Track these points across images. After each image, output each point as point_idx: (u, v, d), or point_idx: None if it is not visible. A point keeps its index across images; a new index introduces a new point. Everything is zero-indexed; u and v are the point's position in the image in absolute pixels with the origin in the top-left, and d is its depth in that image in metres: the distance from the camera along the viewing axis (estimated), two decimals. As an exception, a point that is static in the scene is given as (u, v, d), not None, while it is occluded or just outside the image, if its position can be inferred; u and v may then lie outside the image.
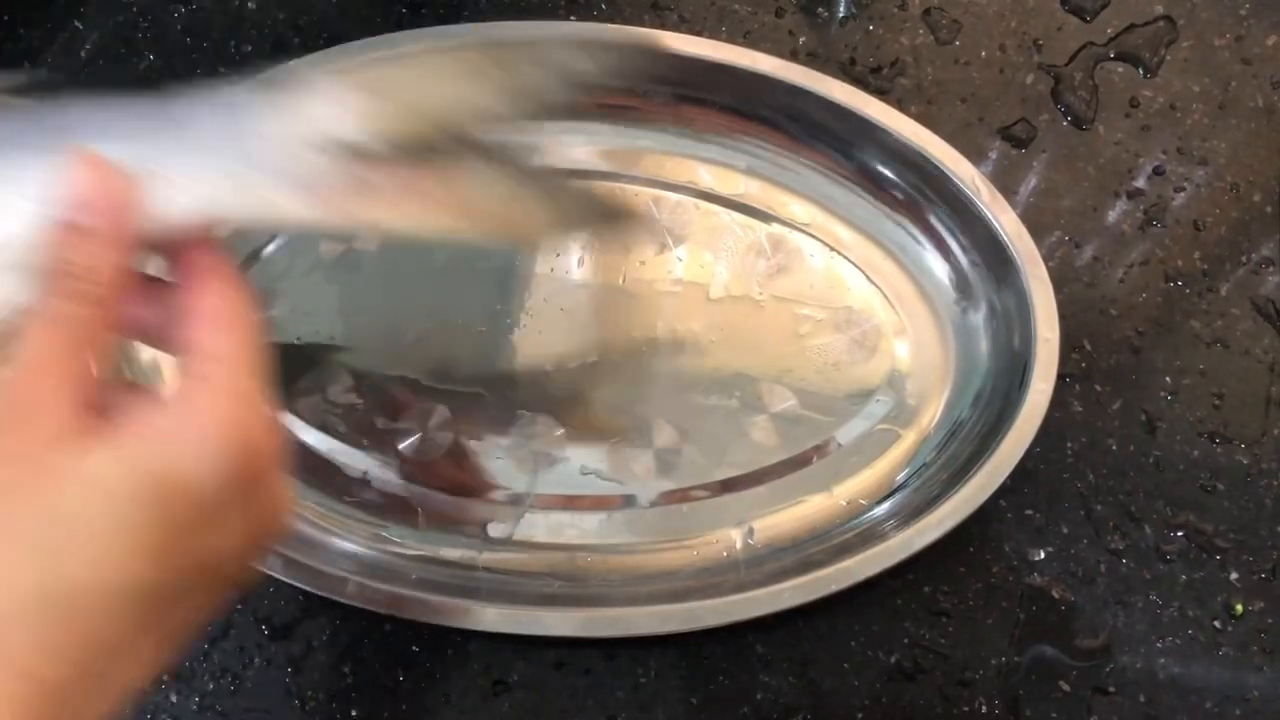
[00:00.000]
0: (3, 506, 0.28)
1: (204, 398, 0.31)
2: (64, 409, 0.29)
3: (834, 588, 0.46)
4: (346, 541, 0.50)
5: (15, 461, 0.28)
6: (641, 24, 0.58)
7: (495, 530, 0.50)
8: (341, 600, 0.47)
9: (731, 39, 0.58)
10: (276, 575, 0.47)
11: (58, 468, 0.28)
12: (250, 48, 0.60)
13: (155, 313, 0.34)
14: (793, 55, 0.58)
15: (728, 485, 0.51)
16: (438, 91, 0.36)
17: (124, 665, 0.28)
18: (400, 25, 0.59)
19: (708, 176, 0.55)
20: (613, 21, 0.58)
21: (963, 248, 0.52)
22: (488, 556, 0.50)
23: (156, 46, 0.60)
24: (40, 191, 0.33)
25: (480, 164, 0.37)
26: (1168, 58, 0.58)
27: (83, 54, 0.60)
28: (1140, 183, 0.56)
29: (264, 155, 0.35)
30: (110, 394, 0.32)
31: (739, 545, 0.50)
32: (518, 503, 0.51)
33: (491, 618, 0.46)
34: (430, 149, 0.36)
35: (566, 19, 0.59)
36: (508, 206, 0.37)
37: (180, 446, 0.30)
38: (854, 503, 0.50)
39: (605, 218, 0.38)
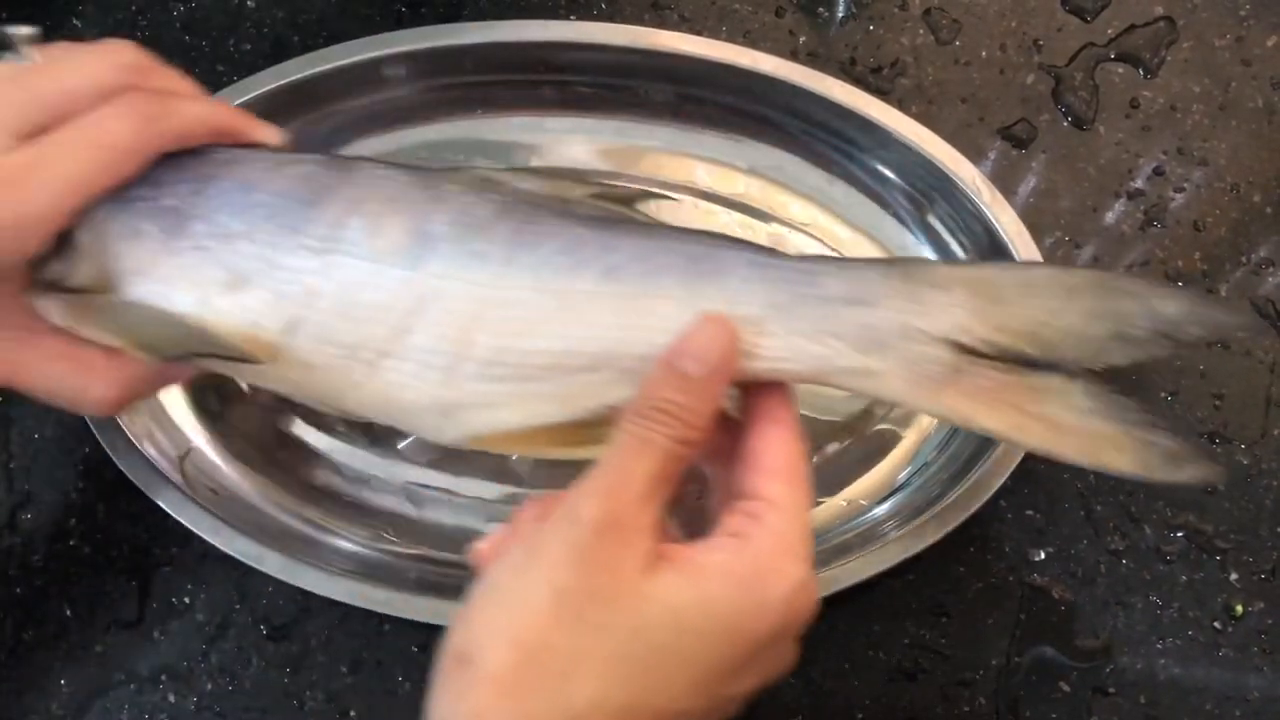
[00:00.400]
0: (599, 611, 0.30)
1: (768, 549, 0.33)
2: (653, 535, 0.32)
3: (835, 588, 0.45)
4: (346, 541, 0.50)
5: (611, 574, 0.31)
6: (642, 23, 0.58)
7: (495, 529, 0.50)
8: (341, 600, 0.47)
9: (732, 38, 0.58)
10: (275, 575, 0.47)
11: (645, 592, 0.31)
12: (249, 46, 0.59)
13: (716, 439, 0.36)
14: (793, 55, 0.58)
15: (727, 485, 0.51)
16: (1050, 311, 0.39)
17: None
18: (400, 24, 0.59)
19: (707, 176, 0.55)
20: (612, 20, 0.58)
21: (963, 248, 0.52)
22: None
23: (155, 45, 0.58)
24: (668, 319, 0.38)
25: (1074, 388, 0.39)
26: (1168, 58, 0.57)
27: (81, 52, 0.60)
28: (1140, 183, 0.55)
29: (880, 333, 0.38)
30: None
31: (739, 545, 0.50)
32: (514, 499, 0.51)
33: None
34: (1032, 363, 0.39)
35: (567, 18, 0.58)
36: (1091, 436, 0.39)
37: (749, 595, 0.32)
38: (854, 503, 0.50)
39: (1186, 474, 0.38)
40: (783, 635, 0.33)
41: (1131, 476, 0.39)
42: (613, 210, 0.42)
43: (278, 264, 0.39)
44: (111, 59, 0.38)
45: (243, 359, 0.39)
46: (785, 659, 0.34)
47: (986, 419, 0.39)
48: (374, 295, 0.39)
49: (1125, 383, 0.51)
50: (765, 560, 0.33)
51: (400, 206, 0.40)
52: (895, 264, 0.41)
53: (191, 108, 0.40)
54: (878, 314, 0.38)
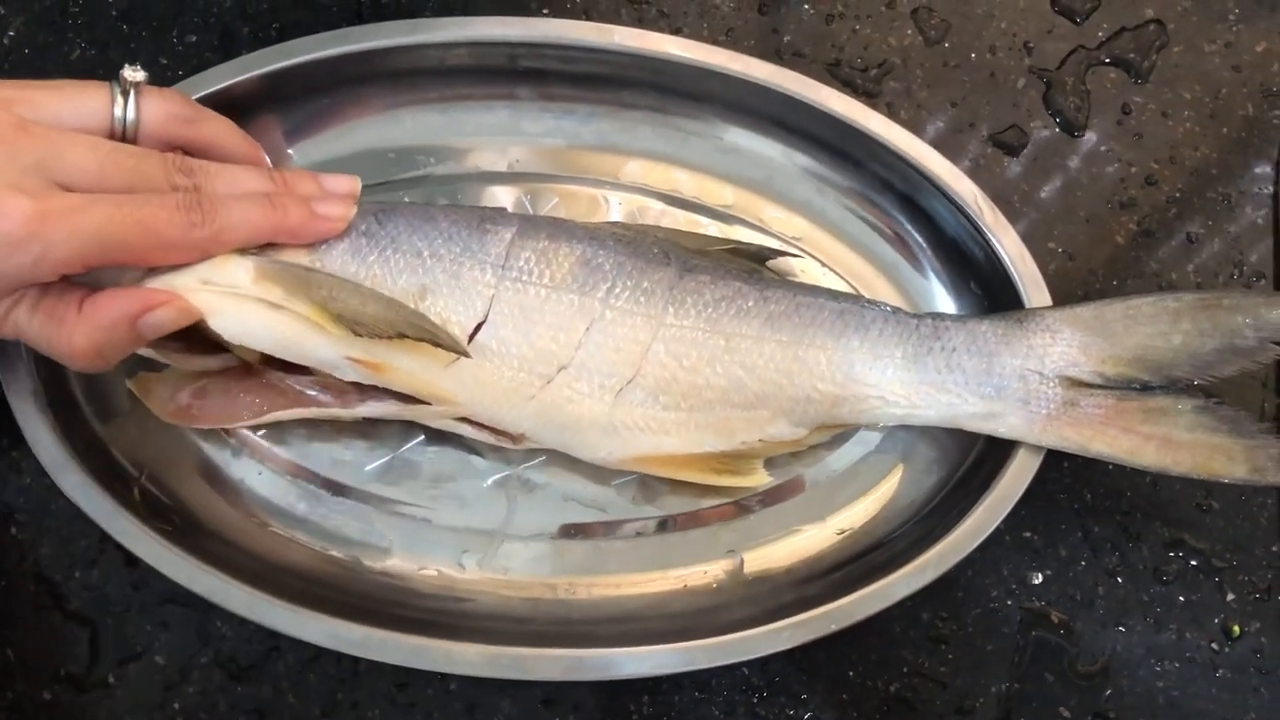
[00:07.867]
0: None
1: None
2: None
3: (833, 627, 0.43)
4: (315, 575, 0.47)
5: None
6: (619, 20, 0.55)
7: (470, 561, 0.48)
8: (311, 641, 0.43)
9: (713, 36, 0.55)
10: (240, 613, 0.43)
11: None
12: (195, 38, 0.55)
13: None
14: (777, 54, 0.55)
15: (716, 513, 0.49)
16: (1157, 335, 0.44)
17: None
18: (361, 17, 0.55)
19: (692, 184, 0.53)
20: (588, 17, 0.55)
21: (958, 269, 0.50)
22: (465, 590, 0.47)
23: (89, 34, 0.55)
24: (820, 366, 0.45)
25: (1183, 405, 0.43)
26: (1159, 63, 0.56)
27: (6, 41, 0.55)
28: (1133, 193, 0.54)
29: (999, 379, 0.44)
30: None
31: (729, 577, 0.48)
32: (494, 532, 0.48)
33: (473, 659, 0.43)
34: (1144, 388, 0.44)
35: (539, 13, 0.55)
36: (1203, 447, 0.43)
37: None
38: (847, 533, 0.48)
39: None
40: None
41: (1243, 483, 0.43)
42: (747, 265, 0.48)
43: (460, 276, 0.43)
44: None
45: (451, 348, 0.42)
46: None
47: (1100, 445, 0.44)
48: (549, 316, 0.43)
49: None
50: None
51: (567, 240, 0.45)
52: (1009, 316, 0.45)
53: (243, 218, 0.42)
54: (996, 362, 0.44)
